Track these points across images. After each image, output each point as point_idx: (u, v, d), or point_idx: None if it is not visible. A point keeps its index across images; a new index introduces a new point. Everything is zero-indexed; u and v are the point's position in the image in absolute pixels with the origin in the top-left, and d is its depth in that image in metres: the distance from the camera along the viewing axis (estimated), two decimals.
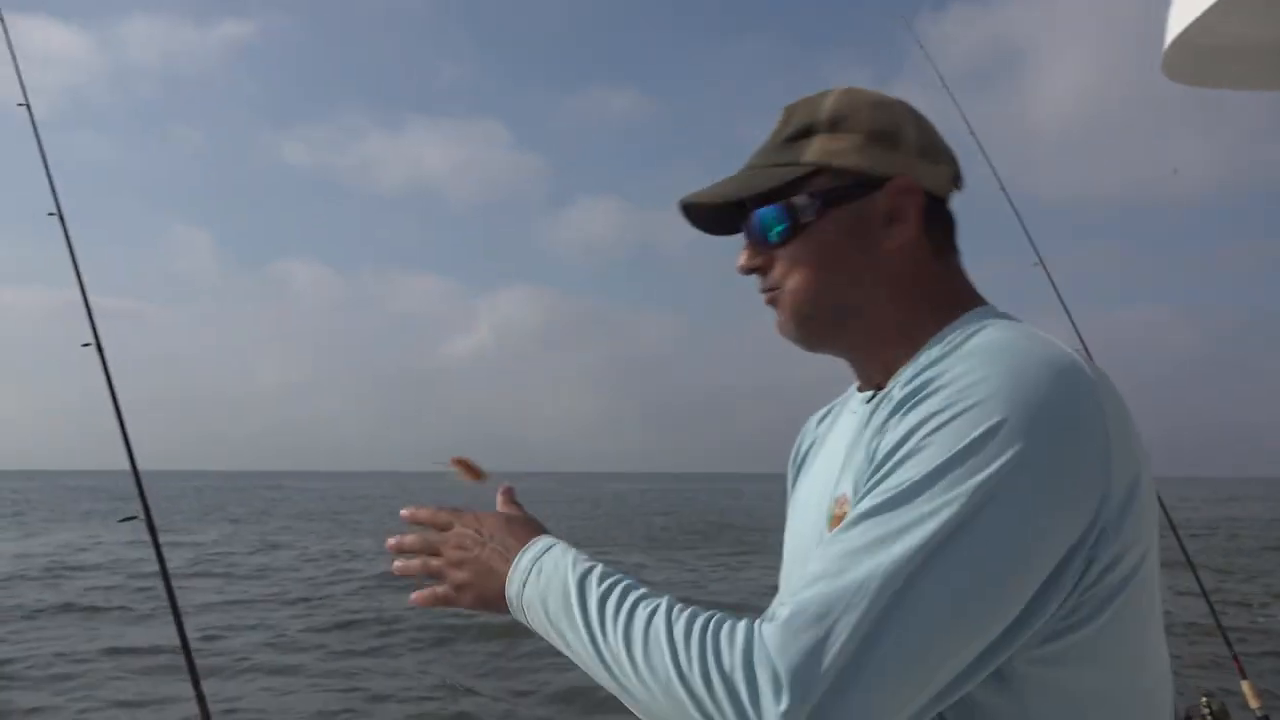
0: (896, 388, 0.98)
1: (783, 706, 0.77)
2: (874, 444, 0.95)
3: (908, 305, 1.06)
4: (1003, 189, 3.00)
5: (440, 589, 1.08)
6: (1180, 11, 1.36)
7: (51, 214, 2.98)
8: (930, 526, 0.82)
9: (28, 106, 3.05)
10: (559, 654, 0.98)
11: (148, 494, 2.90)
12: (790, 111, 1.09)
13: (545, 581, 0.98)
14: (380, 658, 9.69)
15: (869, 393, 1.09)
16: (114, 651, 9.69)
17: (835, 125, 1.05)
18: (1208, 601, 3.62)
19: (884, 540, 0.83)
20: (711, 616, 0.87)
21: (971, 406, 0.86)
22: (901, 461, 0.87)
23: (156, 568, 2.82)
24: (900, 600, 0.80)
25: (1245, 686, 3.26)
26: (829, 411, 1.27)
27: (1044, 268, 3.44)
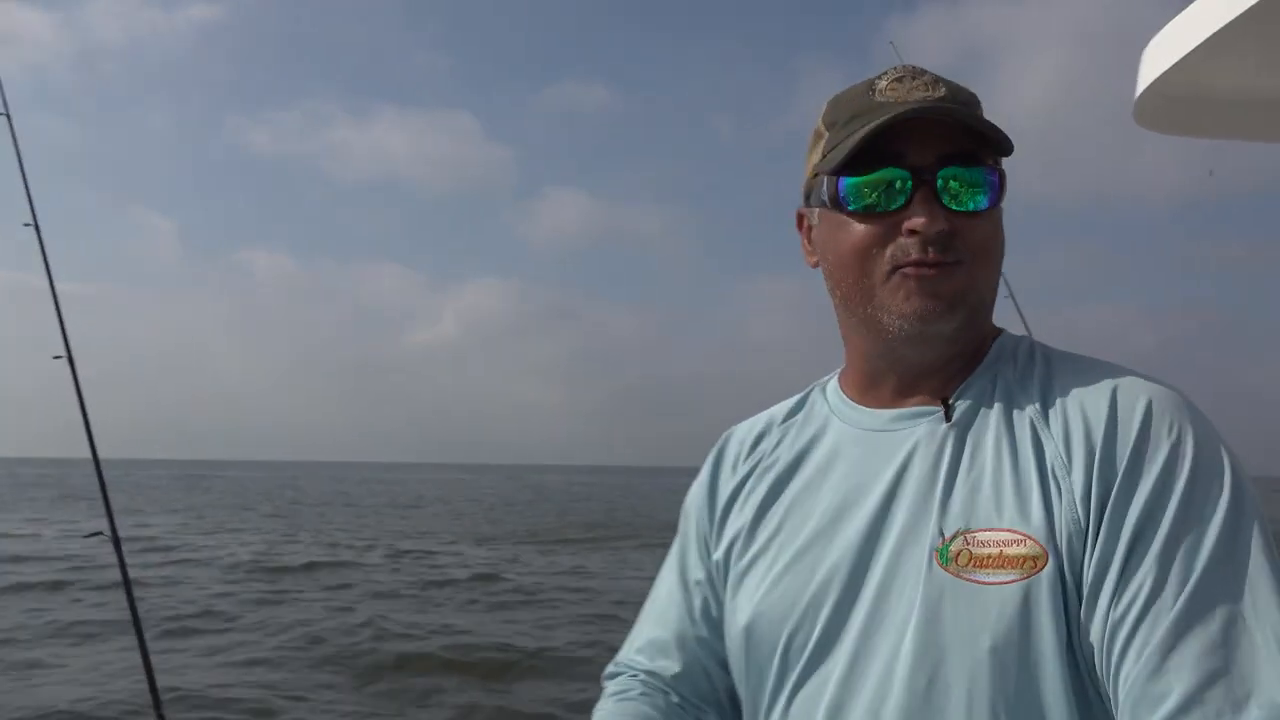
0: (1032, 413, 0.93)
1: None
2: (1055, 475, 0.89)
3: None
4: None
5: None
6: (1150, 63, 1.48)
7: (27, 224, 2.95)
8: (1263, 576, 0.80)
9: (8, 117, 3.02)
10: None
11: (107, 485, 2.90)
12: (937, 78, 0.99)
13: None
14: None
15: (923, 408, 1.00)
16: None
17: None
18: None
19: (1239, 609, 0.79)
20: None
21: (1201, 449, 0.86)
22: (1184, 514, 0.83)
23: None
24: None
25: None
26: (766, 430, 1.14)
27: (1005, 284, 3.61)
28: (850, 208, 0.98)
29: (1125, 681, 0.80)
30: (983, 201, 0.95)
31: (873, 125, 0.94)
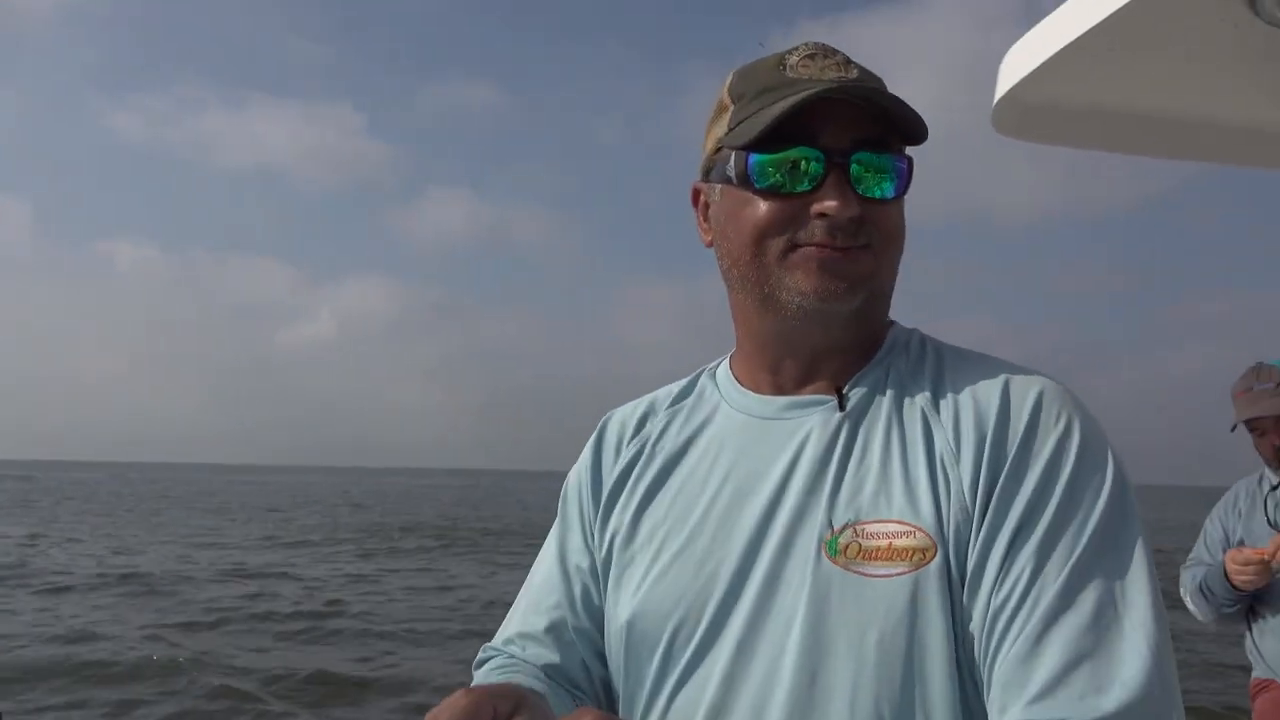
0: (923, 403, 0.94)
1: None
2: (941, 466, 0.90)
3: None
4: None
5: None
6: (1008, 71, 1.51)
7: None
8: (1137, 565, 0.83)
9: None
10: None
11: None
12: (844, 58, 0.96)
13: None
14: None
15: (815, 397, 0.99)
16: None
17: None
18: None
19: (1112, 596, 0.82)
20: None
21: (1087, 444, 0.88)
22: (1066, 508, 0.85)
23: None
24: (1165, 643, 0.81)
25: None
26: (649, 413, 1.12)
27: None
28: (758, 185, 0.94)
29: (999, 665, 0.81)
30: (890, 189, 0.94)
31: (793, 100, 0.90)
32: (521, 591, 1.15)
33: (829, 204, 0.91)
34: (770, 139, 0.92)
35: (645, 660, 0.98)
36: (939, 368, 0.97)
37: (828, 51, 0.96)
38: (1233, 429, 2.90)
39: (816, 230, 0.92)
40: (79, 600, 12.66)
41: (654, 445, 1.07)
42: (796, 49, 0.97)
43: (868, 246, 0.94)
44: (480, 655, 1.11)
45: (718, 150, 0.99)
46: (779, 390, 1.01)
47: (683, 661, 0.94)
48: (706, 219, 1.04)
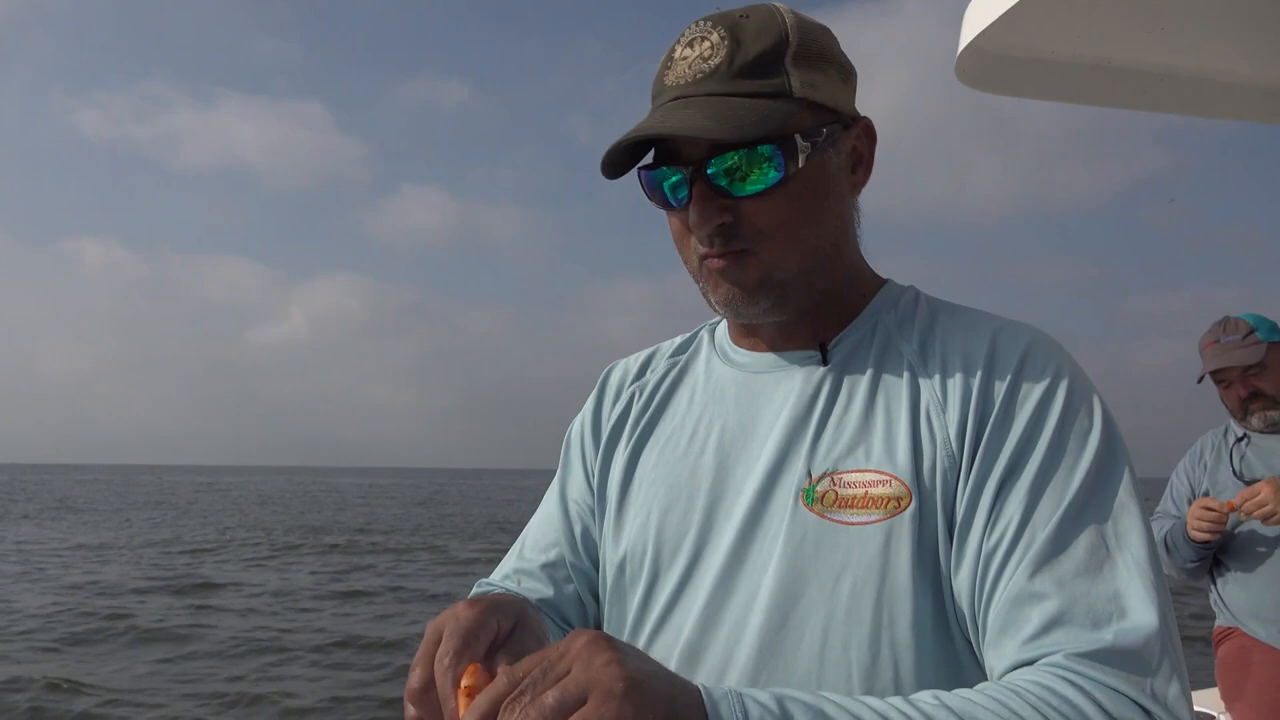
0: (910, 356, 0.95)
1: None
2: (922, 415, 0.90)
3: (857, 256, 1.03)
4: None
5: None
6: (972, 20, 1.57)
7: None
8: (1127, 507, 0.84)
9: None
10: None
11: None
12: (734, 28, 0.92)
13: (768, 707, 0.69)
14: None
15: (800, 352, 1.00)
16: None
17: (806, 54, 0.93)
18: None
19: (1103, 537, 0.82)
20: (1007, 694, 0.74)
21: (1074, 391, 0.89)
22: (1056, 451, 0.85)
23: None
24: (1160, 580, 0.80)
25: None
26: (650, 362, 1.15)
27: None
28: (655, 204, 0.98)
29: (994, 608, 0.81)
30: (764, 181, 0.91)
31: (609, 148, 0.92)
32: (524, 531, 1.18)
33: (691, 220, 0.93)
34: (649, 153, 0.95)
35: (629, 601, 1.01)
36: (928, 322, 0.98)
37: (704, 33, 0.93)
38: (1199, 380, 2.91)
39: (700, 242, 0.95)
40: None
41: (651, 392, 1.10)
42: (683, 35, 0.95)
43: (745, 251, 0.93)
44: (475, 590, 1.12)
45: None
46: (765, 347, 1.03)
47: (661, 603, 0.97)
48: None
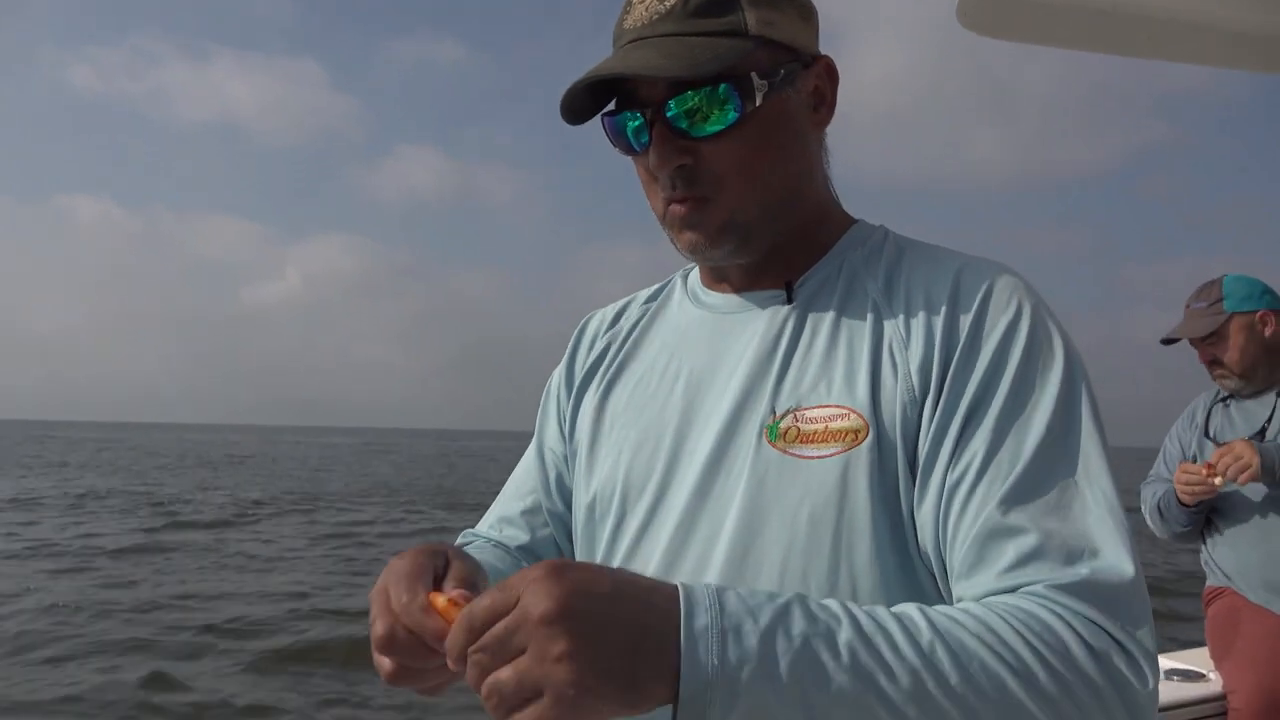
0: (875, 293, 0.95)
1: (1150, 680, 0.75)
2: (880, 350, 0.91)
3: (824, 196, 1.04)
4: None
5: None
6: None
7: None
8: (1092, 445, 0.84)
9: None
10: None
11: None
12: None
13: (747, 639, 0.67)
14: None
15: (766, 292, 1.01)
16: None
17: None
18: None
19: (1072, 474, 0.83)
20: (990, 615, 0.75)
21: (1038, 327, 0.89)
22: (1020, 386, 0.86)
23: None
24: (1119, 517, 0.81)
25: None
26: (624, 310, 1.18)
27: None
28: (621, 150, 0.98)
29: (962, 542, 0.82)
30: (726, 119, 0.91)
31: (565, 91, 0.92)
32: (508, 480, 1.21)
33: (652, 163, 0.94)
34: (610, 98, 0.96)
35: (597, 540, 1.04)
36: (895, 259, 0.99)
37: None
38: (1163, 342, 2.93)
39: (663, 185, 0.95)
40: None
41: (624, 337, 1.13)
42: None
43: (705, 198, 0.94)
44: (460, 540, 1.17)
45: None
46: (733, 289, 1.04)
47: (627, 541, 0.99)
48: None
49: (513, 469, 1.22)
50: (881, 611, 0.73)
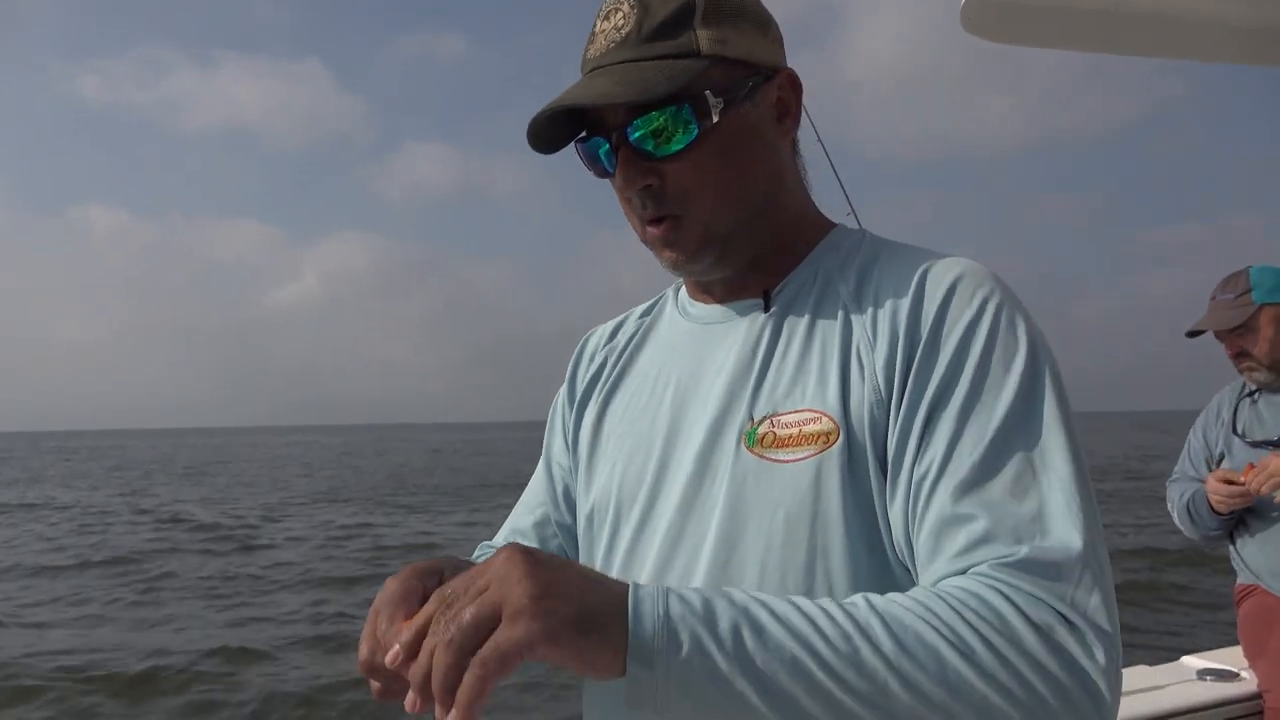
0: (845, 296, 0.97)
1: (1101, 656, 0.75)
2: (853, 348, 0.93)
3: (798, 204, 1.06)
4: (819, 140, 3.17)
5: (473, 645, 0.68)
6: None
7: None
8: (1053, 430, 0.85)
9: None
10: None
11: None
12: (627, 10, 0.96)
13: (690, 600, 0.73)
14: None
15: (746, 302, 1.04)
16: None
17: (715, 12, 0.96)
18: None
19: (1029, 460, 0.84)
20: (929, 595, 0.77)
21: (1000, 318, 0.90)
22: (980, 379, 0.87)
23: None
24: (1087, 501, 0.82)
25: None
26: (620, 325, 1.22)
27: (855, 218, 3.65)
28: (595, 174, 1.02)
29: (923, 534, 0.84)
30: (686, 138, 0.94)
31: (529, 123, 0.96)
32: (522, 495, 1.26)
33: (617, 185, 0.99)
34: (582, 125, 0.99)
35: (596, 550, 1.08)
36: (868, 263, 1.00)
37: (617, 5, 0.97)
38: (1189, 335, 2.88)
39: (636, 207, 0.99)
40: None
41: (620, 351, 1.17)
42: (601, 8, 0.99)
43: (681, 216, 0.97)
44: (476, 553, 1.21)
45: None
46: (716, 300, 1.07)
47: (622, 551, 1.03)
48: None
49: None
50: (825, 599, 0.77)
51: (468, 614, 0.69)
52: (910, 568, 0.87)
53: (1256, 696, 2.82)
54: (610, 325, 1.23)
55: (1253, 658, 2.88)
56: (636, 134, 0.95)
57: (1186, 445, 3.09)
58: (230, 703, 7.16)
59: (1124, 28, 1.58)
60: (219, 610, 10.63)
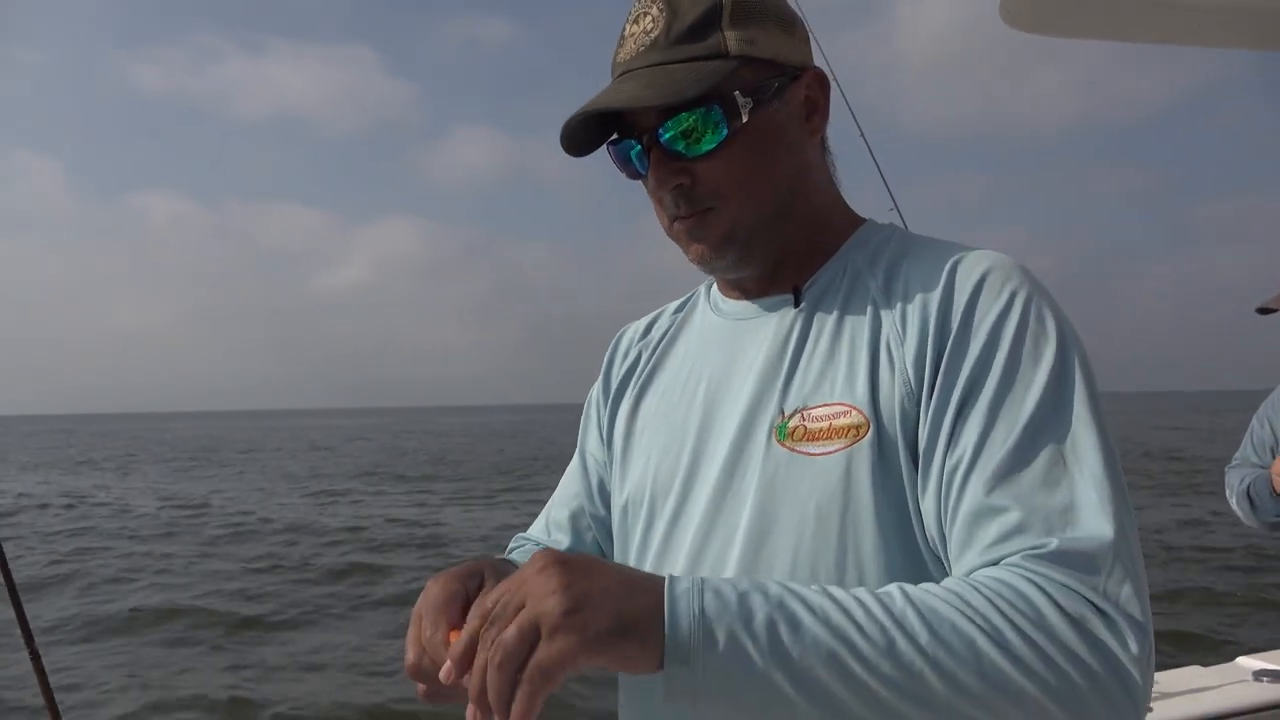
0: (875, 291, 0.98)
1: (1134, 645, 0.75)
2: (881, 344, 0.94)
3: (826, 201, 1.07)
4: (862, 136, 3.15)
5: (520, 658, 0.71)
6: None
7: None
8: (1084, 421, 0.85)
9: None
10: None
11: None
12: (669, 1, 0.98)
13: (726, 596, 0.74)
14: None
15: (777, 298, 1.05)
16: None
17: (742, 14, 0.97)
18: None
19: (1060, 451, 0.84)
20: (963, 586, 0.78)
21: (1029, 310, 0.90)
22: (1010, 371, 0.87)
23: None
24: (1119, 491, 0.82)
25: None
26: (655, 321, 1.23)
27: (899, 214, 3.62)
28: (628, 175, 1.04)
29: (956, 526, 0.85)
30: (712, 140, 0.96)
31: (561, 129, 0.99)
32: (557, 487, 1.28)
33: (649, 185, 1.01)
34: (614, 128, 1.01)
35: (630, 542, 1.09)
36: (897, 257, 1.01)
37: (646, 9, 0.98)
38: (1259, 312, 2.78)
39: (667, 206, 1.01)
40: None
41: (654, 348, 1.18)
42: (630, 12, 1.00)
43: (709, 209, 0.99)
44: (511, 544, 1.25)
45: None
46: (747, 296, 1.09)
47: (656, 543, 1.04)
48: None
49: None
50: (859, 589, 0.78)
51: (510, 635, 0.71)
52: (943, 559, 0.88)
53: None
54: (645, 321, 1.25)
55: None
56: (667, 135, 0.96)
57: (1249, 432, 3.01)
58: None
59: (1163, 17, 1.55)
60: None
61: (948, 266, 0.95)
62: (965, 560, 0.83)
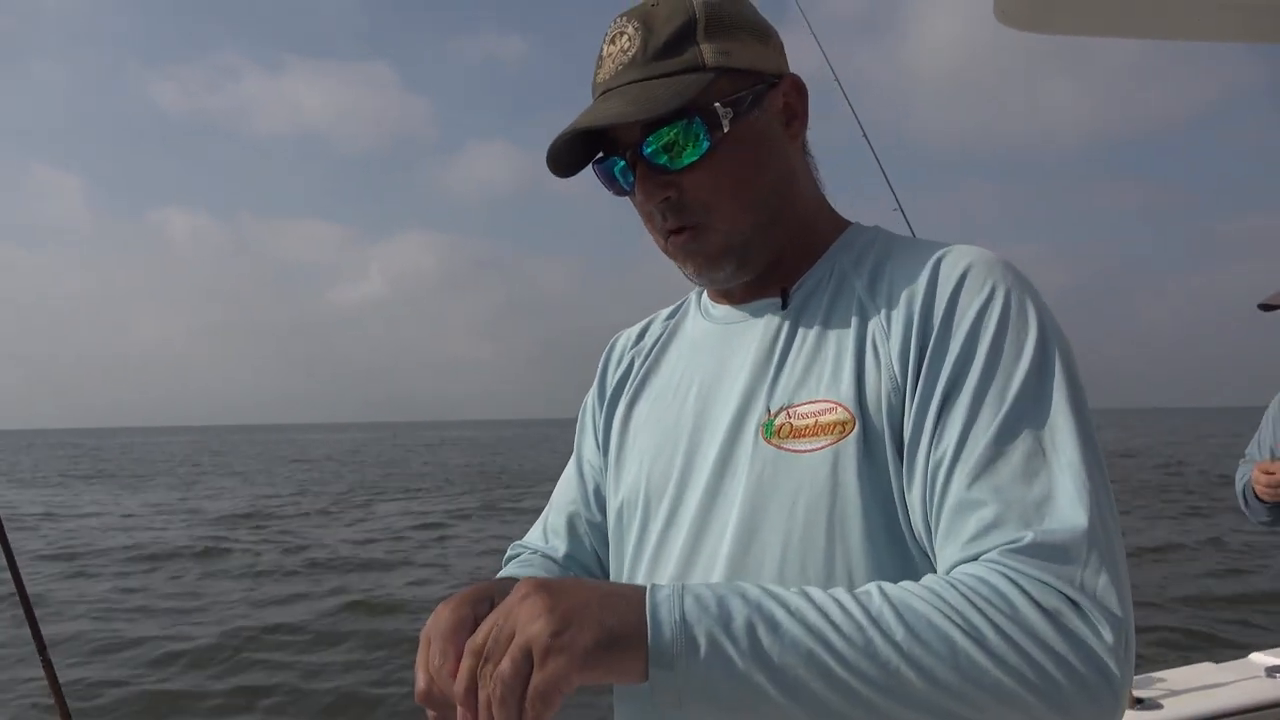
0: (860, 290, 1.00)
1: (1109, 635, 0.76)
2: (864, 345, 0.95)
3: (812, 205, 1.08)
4: (865, 137, 3.15)
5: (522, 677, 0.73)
6: None
7: None
8: (1064, 414, 0.86)
9: None
10: None
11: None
12: (646, 18, 0.99)
13: (705, 600, 0.76)
14: None
15: (765, 301, 1.07)
16: None
17: (716, 26, 0.99)
18: None
19: (1039, 444, 0.85)
20: (940, 583, 0.79)
21: (1010, 304, 0.91)
22: (992, 364, 0.88)
23: None
24: (1096, 482, 0.83)
25: None
26: (647, 327, 1.25)
27: (902, 213, 3.62)
28: (614, 193, 1.06)
29: (940, 520, 0.86)
30: (699, 150, 0.97)
31: (547, 150, 1.00)
32: (552, 494, 1.30)
33: (637, 200, 1.03)
34: (598, 147, 1.03)
35: (625, 546, 1.11)
36: (882, 257, 1.03)
37: (622, 29, 1.00)
38: (1261, 308, 2.78)
39: (656, 220, 1.02)
40: None
41: (647, 354, 1.20)
42: (607, 33, 1.02)
43: (696, 225, 1.00)
44: (509, 552, 1.26)
45: None
46: (736, 300, 1.10)
47: (651, 546, 1.06)
48: None
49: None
50: (838, 589, 0.79)
51: (505, 668, 0.72)
52: (930, 553, 0.89)
53: None
54: (637, 328, 1.26)
55: None
56: (650, 149, 0.98)
57: (1258, 430, 3.01)
58: None
59: (1163, 11, 1.54)
60: None
61: (931, 263, 0.96)
62: (947, 554, 0.84)
